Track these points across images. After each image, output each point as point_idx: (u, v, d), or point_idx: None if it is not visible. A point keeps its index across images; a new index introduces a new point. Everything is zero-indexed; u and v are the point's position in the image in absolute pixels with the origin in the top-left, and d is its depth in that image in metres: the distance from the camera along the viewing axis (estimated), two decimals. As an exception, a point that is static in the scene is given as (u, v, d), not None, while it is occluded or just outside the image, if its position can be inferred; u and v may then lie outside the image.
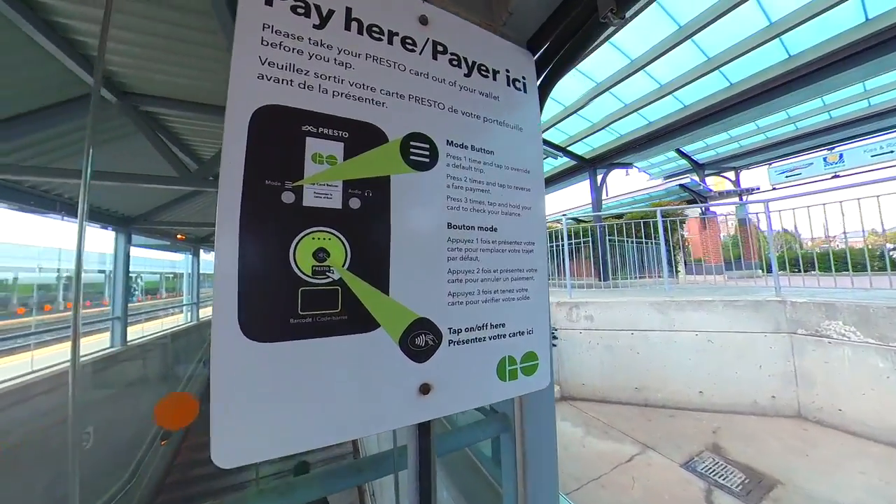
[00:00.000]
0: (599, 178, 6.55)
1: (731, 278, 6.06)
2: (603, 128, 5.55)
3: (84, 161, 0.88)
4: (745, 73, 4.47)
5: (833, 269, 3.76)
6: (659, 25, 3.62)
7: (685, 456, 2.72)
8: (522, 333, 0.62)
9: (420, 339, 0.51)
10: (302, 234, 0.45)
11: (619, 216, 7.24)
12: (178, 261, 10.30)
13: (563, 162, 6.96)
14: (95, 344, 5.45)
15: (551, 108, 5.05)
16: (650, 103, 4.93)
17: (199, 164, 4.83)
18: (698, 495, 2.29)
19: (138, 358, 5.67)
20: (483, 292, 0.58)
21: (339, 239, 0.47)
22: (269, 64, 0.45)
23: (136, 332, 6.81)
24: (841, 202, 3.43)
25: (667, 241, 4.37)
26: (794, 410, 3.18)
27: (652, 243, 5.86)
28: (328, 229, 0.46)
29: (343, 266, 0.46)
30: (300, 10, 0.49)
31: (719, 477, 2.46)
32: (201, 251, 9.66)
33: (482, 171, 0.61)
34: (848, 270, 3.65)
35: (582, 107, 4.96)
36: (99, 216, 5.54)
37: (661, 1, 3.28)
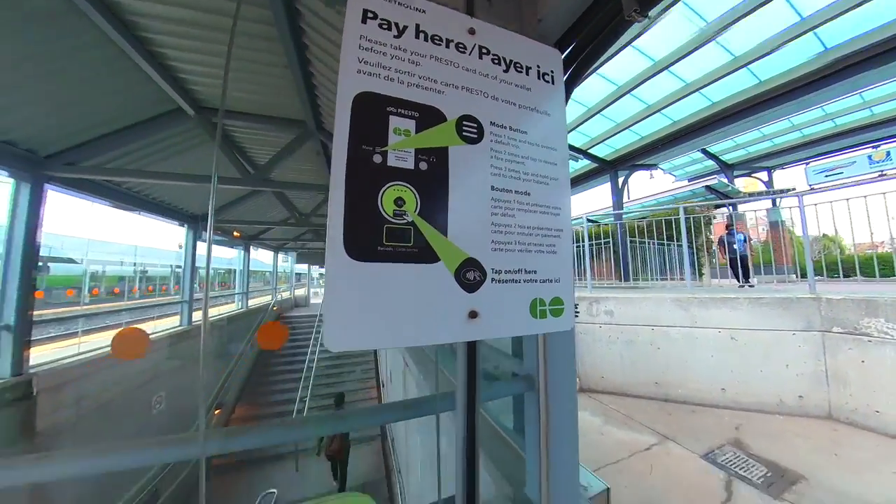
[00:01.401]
0: (621, 180, 6.35)
1: (761, 283, 5.62)
2: (625, 128, 5.40)
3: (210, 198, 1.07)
4: (776, 70, 4.20)
5: (877, 273, 3.44)
6: (683, 26, 3.51)
7: (705, 448, 2.61)
8: (550, 281, 0.71)
9: (470, 275, 0.62)
10: (386, 186, 0.57)
11: (642, 218, 6.97)
12: (231, 258, 11.13)
13: (584, 164, 6.83)
14: (170, 323, 6.08)
15: (573, 110, 5.01)
16: (675, 102, 4.75)
17: (255, 168, 5.26)
18: (717, 484, 2.21)
19: (200, 336, 6.23)
20: (519, 243, 0.68)
21: (412, 191, 0.59)
22: (364, 62, 0.59)
23: (197, 316, 7.42)
24: (884, 194, 3.15)
25: (690, 241, 4.18)
26: (823, 411, 2.95)
27: (674, 245, 5.60)
28: (404, 184, 0.58)
29: (415, 211, 0.59)
30: (384, 26, 0.62)
31: (740, 469, 2.35)
32: (251, 247, 10.42)
33: (518, 147, 0.72)
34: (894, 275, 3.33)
35: (604, 108, 4.88)
36: (173, 213, 6.18)
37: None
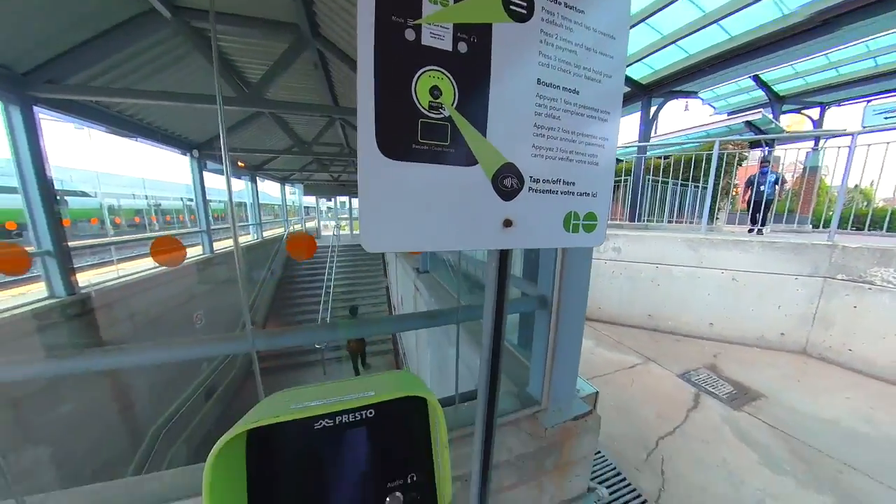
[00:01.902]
0: (653, 109, 5.66)
1: (775, 231, 5.42)
2: (672, 43, 4.57)
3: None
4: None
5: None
6: None
7: (682, 369, 2.92)
8: (587, 195, 0.67)
9: (507, 181, 0.58)
10: (421, 71, 0.49)
11: (667, 155, 6.43)
12: (239, 190, 10.98)
13: (613, 91, 6.00)
14: (193, 252, 6.36)
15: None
16: (739, 10, 3.89)
17: (248, 87, 4.77)
18: (687, 396, 2.53)
19: (223, 263, 6.60)
20: (561, 150, 0.62)
21: (449, 79, 0.51)
22: None
23: (218, 245, 7.69)
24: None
25: (717, 179, 3.91)
26: (799, 347, 3.18)
27: (693, 188, 5.27)
28: (441, 69, 0.50)
29: (452, 104, 0.52)
30: None
31: (709, 387, 2.66)
32: (257, 178, 10.19)
33: (572, 31, 0.59)
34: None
35: (650, 15, 4.04)
36: (172, 141, 5.88)
37: None
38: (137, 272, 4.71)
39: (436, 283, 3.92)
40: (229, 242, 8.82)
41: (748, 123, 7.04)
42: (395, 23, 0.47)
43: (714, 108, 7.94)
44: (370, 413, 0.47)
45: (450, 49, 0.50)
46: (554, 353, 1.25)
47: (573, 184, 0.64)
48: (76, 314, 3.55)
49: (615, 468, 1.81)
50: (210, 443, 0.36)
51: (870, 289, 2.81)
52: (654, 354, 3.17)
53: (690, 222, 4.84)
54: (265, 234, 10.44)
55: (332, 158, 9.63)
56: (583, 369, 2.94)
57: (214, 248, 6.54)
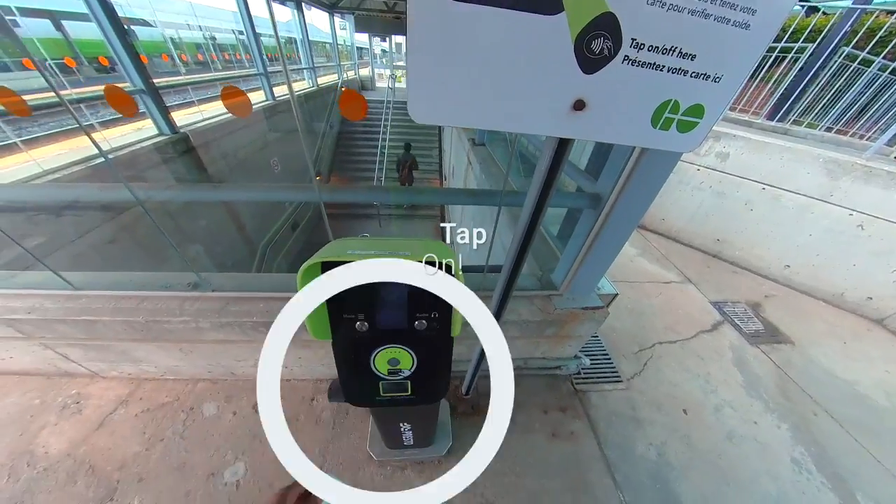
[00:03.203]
0: None
1: None
2: None
3: None
4: None
5: None
6: None
7: (719, 298, 2.82)
8: (707, 78, 0.50)
9: (597, 44, 0.45)
10: None
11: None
12: (287, 21, 9.58)
13: None
14: (256, 97, 6.36)
15: None
16: None
17: None
18: (708, 321, 2.54)
19: (286, 111, 6.66)
20: (698, -2, 0.42)
21: None
22: None
23: (278, 91, 7.48)
24: None
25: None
26: (877, 317, 2.70)
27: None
28: None
29: None
30: None
31: (738, 320, 2.57)
32: (303, 5, 8.63)
33: None
34: None
35: None
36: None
37: None
38: (216, 115, 4.93)
39: (490, 158, 3.70)
40: (285, 89, 8.59)
41: None
42: None
43: None
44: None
45: None
46: (588, 253, 1.28)
47: (692, 57, 0.47)
48: (183, 151, 4.10)
49: (606, 351, 2.15)
50: (298, 262, 0.53)
51: None
52: (698, 278, 3.05)
53: (862, 136, 3.37)
54: (319, 81, 9.82)
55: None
56: (613, 272, 3.01)
57: (275, 95, 6.47)
